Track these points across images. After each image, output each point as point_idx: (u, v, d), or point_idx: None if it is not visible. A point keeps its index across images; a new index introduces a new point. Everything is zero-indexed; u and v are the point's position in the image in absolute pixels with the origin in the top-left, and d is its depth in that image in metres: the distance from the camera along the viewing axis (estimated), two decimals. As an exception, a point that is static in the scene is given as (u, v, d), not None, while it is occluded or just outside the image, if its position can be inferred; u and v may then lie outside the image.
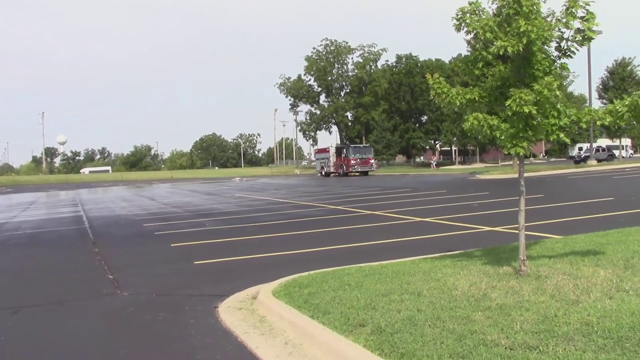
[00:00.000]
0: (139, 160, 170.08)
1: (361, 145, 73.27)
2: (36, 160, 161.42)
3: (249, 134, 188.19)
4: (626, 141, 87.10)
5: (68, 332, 7.06)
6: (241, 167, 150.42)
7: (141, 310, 7.90)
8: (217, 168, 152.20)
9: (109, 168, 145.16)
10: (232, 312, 7.37)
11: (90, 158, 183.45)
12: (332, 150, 71.77)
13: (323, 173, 71.95)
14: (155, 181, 79.21)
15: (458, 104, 7.53)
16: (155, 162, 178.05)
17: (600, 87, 67.96)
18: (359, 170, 66.26)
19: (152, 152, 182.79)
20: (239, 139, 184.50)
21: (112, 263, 11.82)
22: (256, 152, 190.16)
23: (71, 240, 16.46)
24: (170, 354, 5.96)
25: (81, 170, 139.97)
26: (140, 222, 20.51)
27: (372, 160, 69.62)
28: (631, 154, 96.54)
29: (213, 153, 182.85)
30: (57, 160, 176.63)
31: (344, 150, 69.25)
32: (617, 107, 7.01)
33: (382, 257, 9.91)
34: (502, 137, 7.20)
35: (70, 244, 15.69)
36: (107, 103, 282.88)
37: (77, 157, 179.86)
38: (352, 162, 66.35)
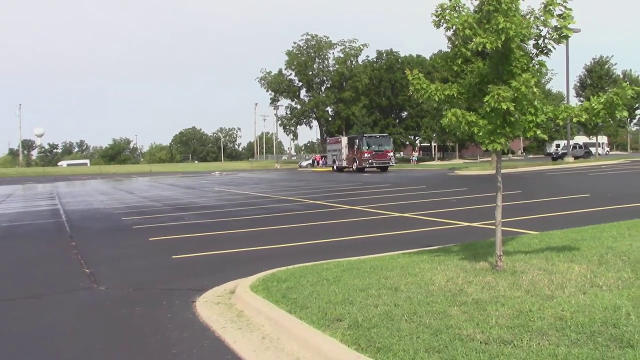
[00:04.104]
0: (118, 154, 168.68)
1: (377, 135, 61.89)
2: (13, 153, 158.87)
3: (229, 128, 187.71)
4: (603, 139, 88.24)
5: (44, 326, 6.97)
6: (221, 161, 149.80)
7: (117, 304, 7.83)
8: (196, 162, 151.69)
9: (87, 161, 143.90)
10: (209, 306, 7.35)
11: (68, 151, 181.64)
12: (344, 142, 61.26)
13: (335, 168, 62.30)
14: (134, 175, 78.54)
15: (437, 99, 7.56)
16: (134, 155, 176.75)
17: (578, 85, 68.74)
18: (375, 165, 55.81)
19: (131, 145, 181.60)
20: (219, 133, 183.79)
21: (88, 257, 11.71)
22: (236, 146, 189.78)
23: (48, 234, 16.26)
24: (147, 349, 5.92)
25: (59, 163, 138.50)
26: (118, 215, 20.34)
27: (391, 153, 58.71)
28: (607, 151, 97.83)
29: (193, 147, 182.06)
30: (34, 153, 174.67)
31: (357, 141, 58.15)
32: (593, 105, 7.09)
33: (361, 251, 9.95)
34: (480, 133, 7.25)
35: (47, 238, 15.51)
36: (86, 95, 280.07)
37: (55, 150, 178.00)
38: (366, 155, 55.37)
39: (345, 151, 60.11)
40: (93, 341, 6.26)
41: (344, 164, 60.03)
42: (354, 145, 57.96)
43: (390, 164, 58.09)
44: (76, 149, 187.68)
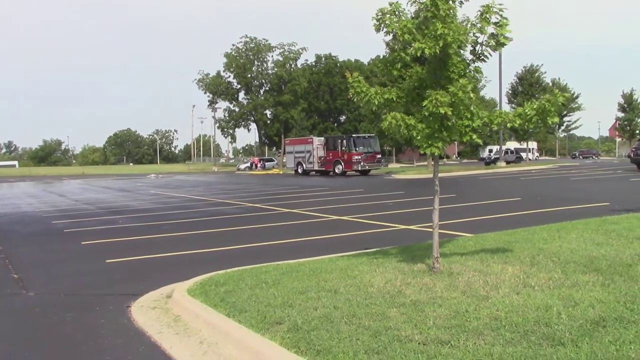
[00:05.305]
0: (49, 155, 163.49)
1: (365, 135, 56.98)
2: None
3: (165, 130, 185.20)
4: (533, 144, 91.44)
5: (-34, 335, 6.64)
6: (157, 163, 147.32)
7: (48, 310, 7.53)
8: (132, 164, 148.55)
9: (15, 163, 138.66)
10: (145, 311, 7.17)
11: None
12: (317, 142, 55.70)
13: (300, 171, 56.63)
14: (66, 177, 75.95)
15: (376, 103, 7.61)
16: (66, 157, 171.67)
17: (510, 92, 71.00)
18: (368, 167, 50.88)
19: (63, 146, 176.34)
20: (155, 135, 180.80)
21: (17, 262, 11.24)
22: (173, 149, 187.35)
23: (-28, 238, 15.53)
24: (78, 356, 5.72)
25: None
26: (48, 219, 19.62)
27: (379, 155, 54.17)
28: (537, 156, 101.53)
29: (128, 149, 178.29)
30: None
31: (342, 141, 52.36)
32: (527, 111, 7.30)
33: (300, 254, 9.93)
34: (419, 137, 7.33)
35: (-29, 242, 14.81)
36: (14, 94, 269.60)
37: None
38: (356, 157, 50.21)
39: (318, 153, 54.67)
40: (21, 349, 5.99)
41: (316, 166, 54.82)
42: (338, 147, 52.27)
43: (380, 166, 54.36)
44: (4, 150, 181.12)
